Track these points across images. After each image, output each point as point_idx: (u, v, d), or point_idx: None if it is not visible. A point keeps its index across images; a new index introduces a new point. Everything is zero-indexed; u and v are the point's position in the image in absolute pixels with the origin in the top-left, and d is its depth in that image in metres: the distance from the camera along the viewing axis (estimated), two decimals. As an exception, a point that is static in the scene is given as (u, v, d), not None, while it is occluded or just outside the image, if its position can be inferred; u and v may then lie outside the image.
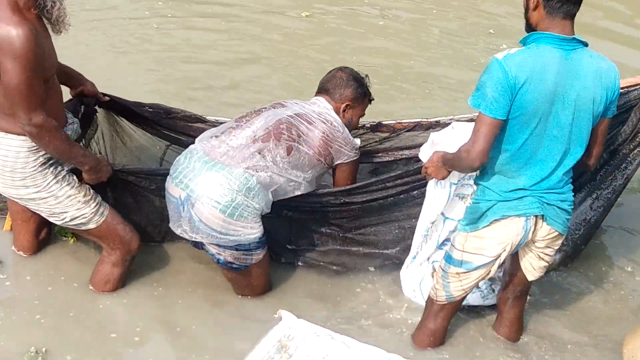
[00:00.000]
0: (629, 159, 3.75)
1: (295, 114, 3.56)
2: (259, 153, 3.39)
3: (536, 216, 3.07)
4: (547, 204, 3.06)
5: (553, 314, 3.74)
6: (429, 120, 4.00)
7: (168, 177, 3.47)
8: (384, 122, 4.05)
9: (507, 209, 3.05)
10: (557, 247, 3.23)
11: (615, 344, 3.54)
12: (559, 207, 3.08)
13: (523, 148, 2.95)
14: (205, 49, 6.33)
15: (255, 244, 3.45)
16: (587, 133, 3.00)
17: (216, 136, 3.50)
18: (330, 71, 3.85)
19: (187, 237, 3.44)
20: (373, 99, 3.88)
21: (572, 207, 3.15)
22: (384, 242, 3.82)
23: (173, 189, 3.42)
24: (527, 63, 2.83)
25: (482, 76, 2.90)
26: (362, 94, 3.78)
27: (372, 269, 3.87)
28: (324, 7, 7.19)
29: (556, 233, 3.13)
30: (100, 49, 6.11)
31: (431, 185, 3.47)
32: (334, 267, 3.85)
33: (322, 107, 3.68)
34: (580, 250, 3.97)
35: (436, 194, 3.46)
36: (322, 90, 3.78)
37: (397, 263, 3.81)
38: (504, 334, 3.53)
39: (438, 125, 3.91)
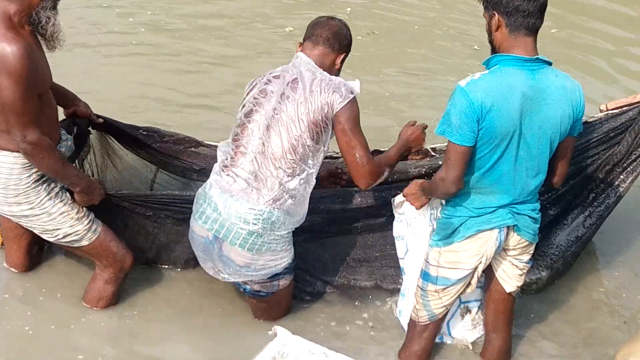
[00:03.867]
0: (622, 176, 3.78)
1: (279, 103, 3.29)
2: (270, 176, 3.25)
3: (508, 226, 3.09)
4: (518, 213, 3.08)
5: (542, 332, 3.72)
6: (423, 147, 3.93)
7: (192, 216, 3.39)
8: (380, 150, 3.91)
9: (480, 224, 3.07)
10: (530, 255, 3.23)
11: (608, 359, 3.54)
12: (529, 216, 3.11)
13: (494, 168, 2.96)
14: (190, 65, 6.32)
15: (285, 270, 3.39)
16: (554, 150, 3.04)
17: (226, 167, 3.36)
18: (319, 18, 3.51)
19: (220, 278, 3.36)
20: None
21: (540, 214, 3.17)
22: (387, 261, 3.76)
23: (199, 229, 3.34)
24: (492, 88, 2.84)
25: (448, 104, 2.91)
26: (350, 46, 3.54)
27: (370, 296, 3.82)
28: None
29: (527, 242, 3.16)
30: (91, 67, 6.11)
31: (403, 225, 3.48)
32: (334, 286, 3.80)
33: (304, 64, 3.36)
34: (569, 266, 3.98)
35: (414, 230, 3.45)
36: (317, 39, 3.41)
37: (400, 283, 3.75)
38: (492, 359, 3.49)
39: (435, 153, 3.83)
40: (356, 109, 3.30)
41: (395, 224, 3.51)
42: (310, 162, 3.31)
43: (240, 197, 3.27)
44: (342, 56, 3.45)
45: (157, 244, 3.77)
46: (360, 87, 3.36)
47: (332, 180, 3.81)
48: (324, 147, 3.33)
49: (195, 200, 3.42)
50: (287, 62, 3.46)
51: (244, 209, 3.25)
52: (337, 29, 3.43)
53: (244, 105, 3.42)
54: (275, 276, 3.38)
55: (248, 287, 3.41)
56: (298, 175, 3.29)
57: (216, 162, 3.46)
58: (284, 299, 3.58)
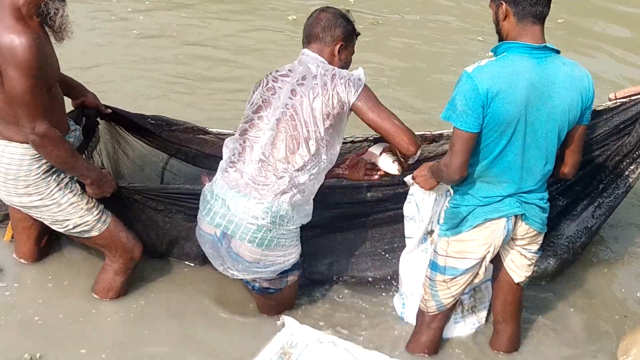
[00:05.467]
0: (632, 167, 3.77)
1: (289, 99, 3.31)
2: (279, 171, 3.26)
3: (516, 215, 3.09)
4: (526, 202, 3.08)
5: (548, 322, 3.74)
6: (432, 133, 3.93)
7: (199, 214, 3.40)
8: None
9: (488, 213, 3.07)
10: (539, 245, 3.23)
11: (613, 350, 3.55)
12: (537, 206, 3.11)
13: (500, 156, 2.96)
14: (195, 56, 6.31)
15: (293, 266, 3.38)
16: (562, 139, 3.03)
17: (232, 162, 3.36)
18: (311, 14, 3.55)
19: (229, 274, 3.37)
20: (359, 34, 3.64)
21: (548, 204, 3.17)
22: (393, 254, 3.77)
23: (207, 227, 3.34)
24: (498, 74, 2.84)
25: (454, 89, 2.91)
26: (351, 31, 3.54)
27: (378, 285, 3.83)
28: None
29: (535, 232, 3.16)
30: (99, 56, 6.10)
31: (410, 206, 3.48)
32: (343, 278, 3.82)
33: (312, 60, 3.42)
34: (577, 256, 3.97)
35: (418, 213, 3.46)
36: (310, 38, 3.48)
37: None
38: (500, 349, 3.50)
39: (442, 138, 3.87)
40: (371, 92, 3.34)
41: (406, 204, 3.50)
42: (324, 156, 3.31)
43: (248, 192, 3.26)
44: (338, 46, 3.45)
45: (169, 239, 3.77)
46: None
47: (367, 173, 3.67)
48: (338, 142, 3.36)
49: (201, 197, 3.42)
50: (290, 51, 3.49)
51: (253, 204, 3.24)
52: (325, 21, 3.45)
53: (251, 103, 3.45)
54: (284, 272, 3.38)
55: (257, 284, 3.40)
56: (309, 170, 3.28)
57: (223, 154, 3.47)
58: (290, 295, 3.58)
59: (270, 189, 3.25)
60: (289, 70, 3.42)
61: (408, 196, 3.49)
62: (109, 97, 4.04)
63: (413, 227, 3.50)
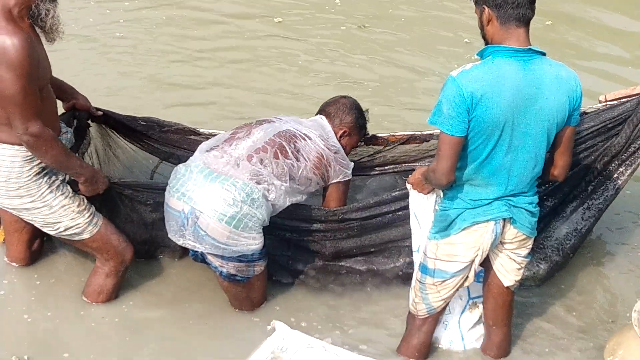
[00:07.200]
0: (621, 169, 3.76)
1: (293, 128, 3.57)
2: (260, 163, 3.39)
3: (504, 219, 3.10)
4: (515, 206, 3.09)
5: (540, 325, 3.74)
6: (423, 132, 3.98)
7: (167, 188, 3.44)
8: (378, 135, 4.03)
9: (476, 216, 3.08)
10: (528, 249, 3.24)
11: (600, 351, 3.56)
12: (526, 210, 3.11)
13: (488, 159, 2.97)
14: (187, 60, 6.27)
15: (257, 255, 3.44)
16: (551, 141, 3.04)
17: (216, 146, 3.48)
18: (333, 96, 3.88)
19: (189, 247, 3.40)
20: (368, 134, 3.93)
21: (538, 208, 3.18)
22: (382, 261, 3.80)
23: (175, 202, 3.38)
24: (483, 78, 2.85)
25: (440, 94, 2.93)
26: (361, 125, 3.81)
27: (368, 288, 3.84)
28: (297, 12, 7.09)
29: (524, 236, 3.17)
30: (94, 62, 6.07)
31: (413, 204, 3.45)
32: (331, 286, 3.82)
33: (320, 125, 3.69)
34: (569, 259, 3.97)
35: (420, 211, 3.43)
36: (322, 113, 3.78)
37: (395, 281, 3.81)
38: (491, 353, 3.50)
39: (432, 138, 3.90)
40: (348, 185, 3.74)
41: (411, 218, 3.48)
42: (293, 184, 3.48)
43: (223, 172, 3.35)
44: (341, 131, 3.71)
45: (157, 235, 3.78)
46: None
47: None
48: (306, 190, 3.58)
49: (173, 174, 3.47)
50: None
51: (227, 181, 3.32)
52: (341, 105, 3.78)
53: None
54: (251, 261, 3.44)
55: (224, 270, 3.44)
56: (285, 181, 3.42)
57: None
58: (259, 289, 3.63)
59: (247, 170, 3.36)
60: (297, 118, 3.73)
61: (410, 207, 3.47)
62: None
63: (417, 237, 3.44)
